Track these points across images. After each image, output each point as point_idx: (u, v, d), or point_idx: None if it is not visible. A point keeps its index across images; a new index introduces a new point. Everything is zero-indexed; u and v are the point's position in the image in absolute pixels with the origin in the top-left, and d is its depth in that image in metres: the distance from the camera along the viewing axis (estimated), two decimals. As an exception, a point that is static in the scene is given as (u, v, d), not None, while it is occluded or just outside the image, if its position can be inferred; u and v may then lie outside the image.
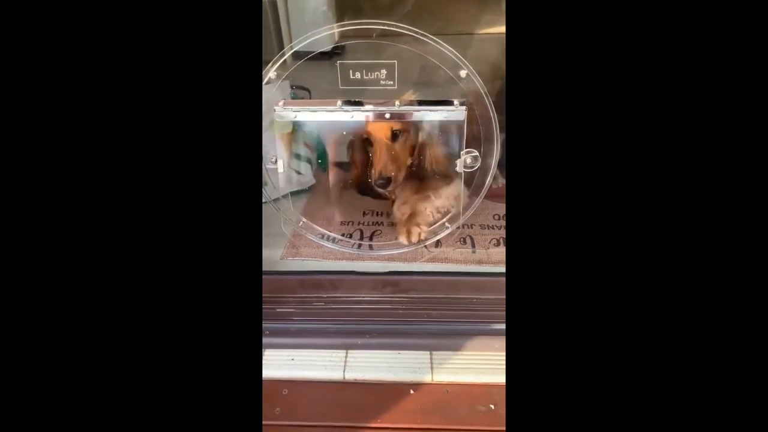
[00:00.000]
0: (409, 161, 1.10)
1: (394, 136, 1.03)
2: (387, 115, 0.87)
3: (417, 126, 1.07)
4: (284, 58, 0.85)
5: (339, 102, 0.88)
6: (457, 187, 1.21)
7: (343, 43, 0.90)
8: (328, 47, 0.89)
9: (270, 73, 0.85)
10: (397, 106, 0.87)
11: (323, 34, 0.86)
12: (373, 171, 1.06)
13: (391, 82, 0.84)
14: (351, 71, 0.83)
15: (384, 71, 0.82)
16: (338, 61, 0.83)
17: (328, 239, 1.22)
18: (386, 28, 0.79)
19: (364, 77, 0.83)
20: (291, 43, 0.84)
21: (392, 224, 1.28)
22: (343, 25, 0.78)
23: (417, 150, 1.10)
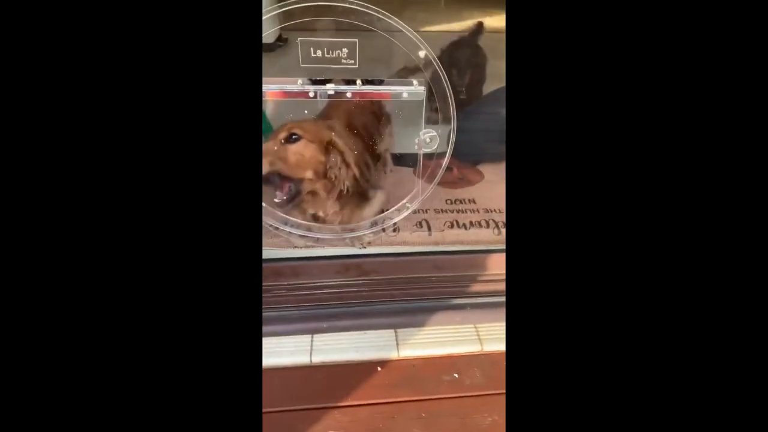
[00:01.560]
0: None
1: (288, 138, 0.99)
2: (348, 95, 0.89)
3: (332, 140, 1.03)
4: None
5: (300, 80, 0.87)
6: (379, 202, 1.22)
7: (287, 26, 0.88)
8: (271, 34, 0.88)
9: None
10: (358, 86, 0.89)
11: (272, 13, 0.85)
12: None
13: (353, 61, 0.85)
14: (312, 49, 0.83)
15: (345, 50, 0.84)
16: (299, 38, 0.83)
17: (290, 225, 1.20)
18: (348, 6, 0.81)
19: (326, 55, 0.84)
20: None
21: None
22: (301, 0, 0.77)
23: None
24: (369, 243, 1.29)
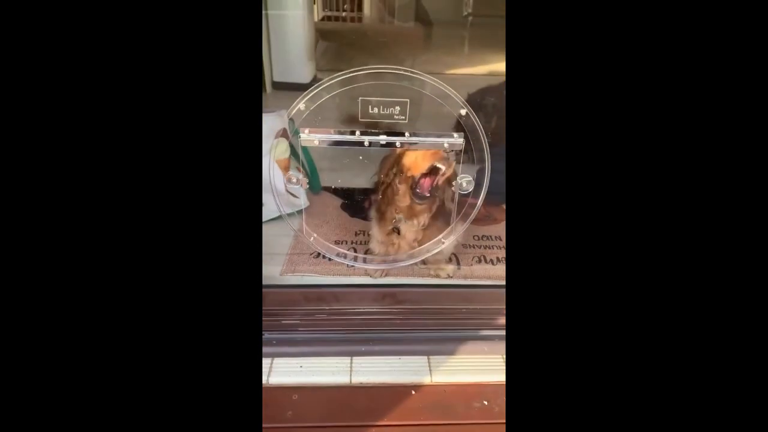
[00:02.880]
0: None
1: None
2: (398, 144, 1.02)
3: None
4: (315, 91, 0.98)
5: (357, 132, 1.01)
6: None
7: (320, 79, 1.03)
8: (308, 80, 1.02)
9: (300, 104, 0.98)
10: (407, 137, 1.02)
11: (347, 75, 0.99)
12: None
13: (403, 117, 0.99)
14: (370, 106, 0.97)
15: (398, 108, 0.97)
16: (360, 98, 0.97)
17: (338, 255, 1.32)
18: (401, 72, 0.95)
19: (381, 112, 0.98)
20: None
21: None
22: (371, 68, 0.92)
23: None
24: (382, 275, 1.41)
